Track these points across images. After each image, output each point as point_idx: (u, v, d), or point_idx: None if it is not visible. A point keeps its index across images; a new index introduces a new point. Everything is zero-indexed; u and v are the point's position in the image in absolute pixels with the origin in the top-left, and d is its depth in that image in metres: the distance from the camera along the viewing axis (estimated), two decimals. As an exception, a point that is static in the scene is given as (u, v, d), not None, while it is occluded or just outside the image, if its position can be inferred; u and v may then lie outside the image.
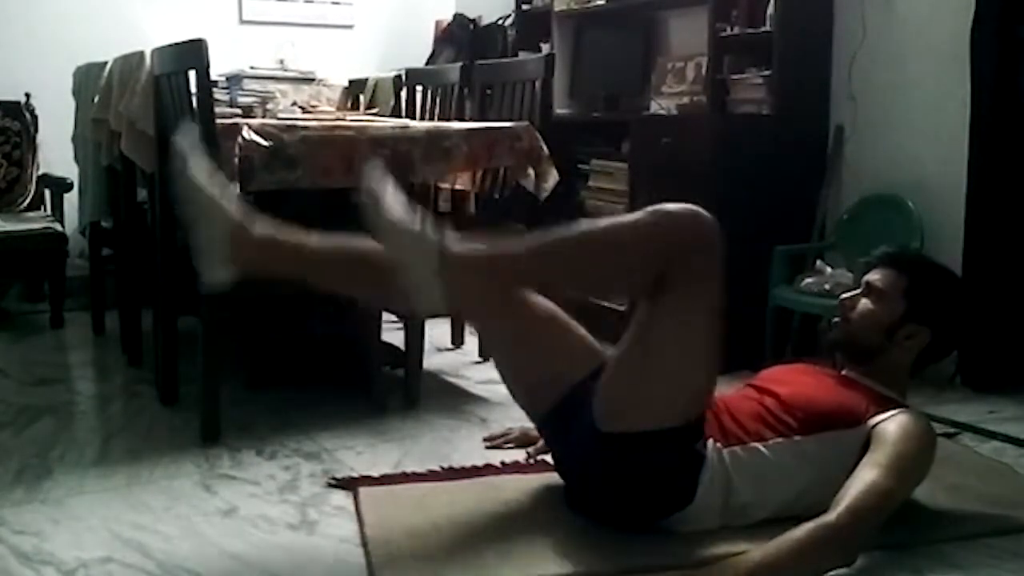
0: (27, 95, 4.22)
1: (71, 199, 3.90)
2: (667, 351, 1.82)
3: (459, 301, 1.88)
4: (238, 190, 1.97)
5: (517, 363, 2.08)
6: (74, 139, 3.63)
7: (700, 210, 1.79)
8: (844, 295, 2.13)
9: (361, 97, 4.11)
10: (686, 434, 1.84)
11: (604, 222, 1.85)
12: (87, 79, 3.30)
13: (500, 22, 4.72)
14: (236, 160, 2.38)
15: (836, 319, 2.12)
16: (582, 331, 2.07)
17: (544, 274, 1.88)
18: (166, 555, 1.83)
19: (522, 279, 1.91)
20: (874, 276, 2.07)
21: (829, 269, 3.11)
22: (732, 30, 3.47)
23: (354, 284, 1.98)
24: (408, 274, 1.76)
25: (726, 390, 2.04)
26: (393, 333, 3.03)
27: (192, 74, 2.44)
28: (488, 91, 3.45)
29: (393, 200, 1.81)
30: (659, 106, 3.82)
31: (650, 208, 1.80)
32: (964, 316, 2.16)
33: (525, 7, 4.54)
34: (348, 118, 3.00)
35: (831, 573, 1.70)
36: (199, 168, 1.92)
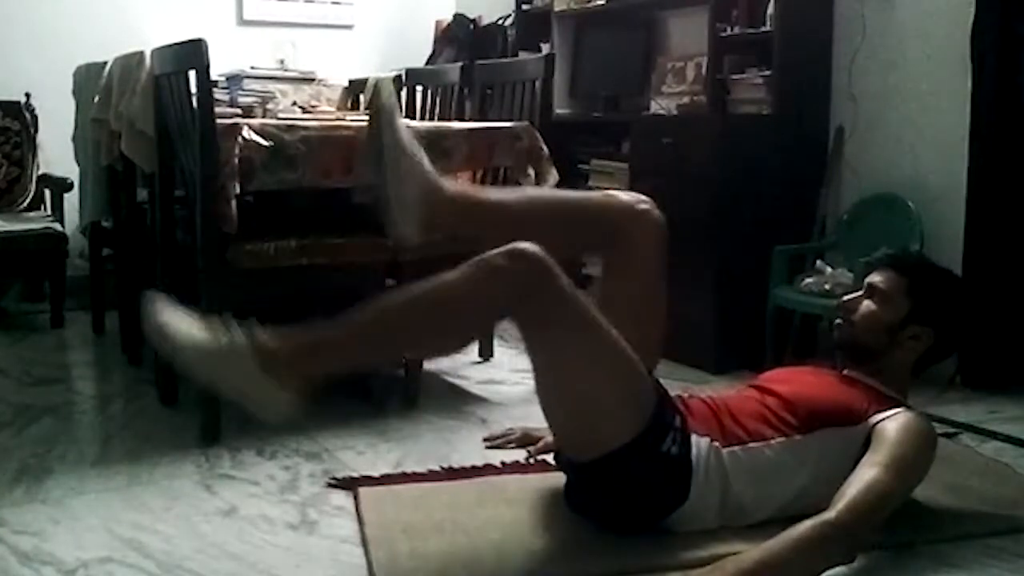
0: (27, 95, 4.22)
1: (71, 199, 3.90)
2: (569, 384, 1.80)
3: (302, 393, 1.73)
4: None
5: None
6: (74, 139, 3.63)
7: (519, 248, 1.71)
8: (846, 296, 2.13)
9: (361, 97, 4.11)
10: (646, 441, 1.81)
11: (425, 285, 1.76)
12: (87, 79, 3.30)
13: (500, 22, 4.72)
14: (236, 160, 2.38)
15: (838, 320, 2.12)
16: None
17: (372, 350, 1.84)
18: (166, 555, 1.83)
19: (349, 360, 1.83)
20: (876, 277, 2.07)
21: (829, 269, 3.11)
22: (732, 30, 3.47)
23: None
24: (243, 391, 1.68)
25: (726, 390, 2.04)
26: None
27: (192, 74, 2.44)
28: (488, 91, 3.45)
29: (184, 321, 1.70)
30: (659, 106, 3.83)
31: (471, 261, 1.73)
32: (966, 317, 2.16)
33: (525, 7, 4.54)
34: (348, 118, 3.00)
35: (831, 572, 1.70)
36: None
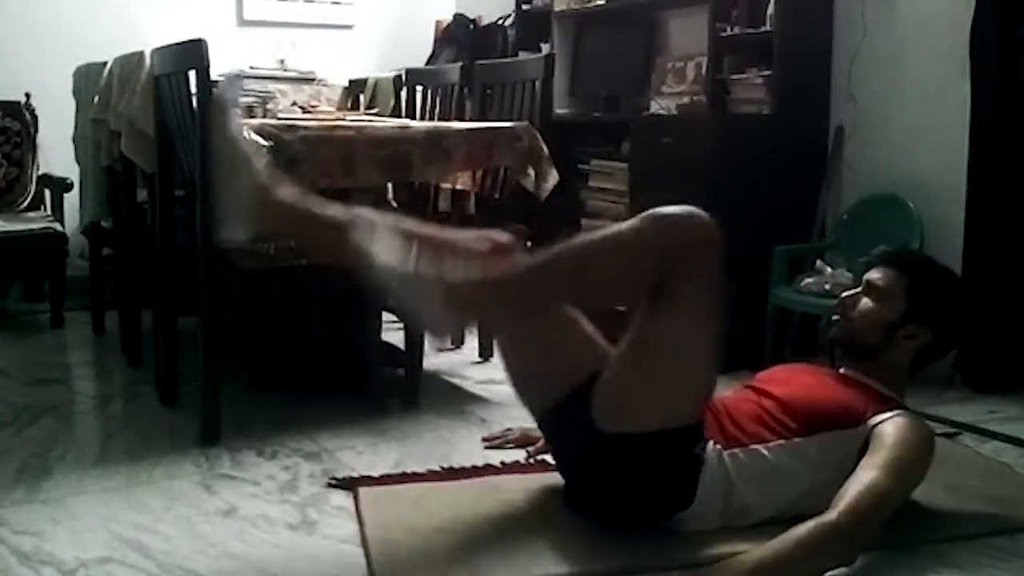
0: (27, 95, 4.22)
1: (71, 199, 3.90)
2: (667, 352, 1.82)
3: (470, 322, 1.87)
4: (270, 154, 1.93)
5: (521, 358, 2.07)
6: (74, 139, 3.63)
7: (698, 211, 1.79)
8: (844, 293, 2.13)
9: (361, 97, 4.11)
10: (686, 436, 1.84)
11: (601, 232, 1.84)
12: (87, 79, 3.30)
13: (500, 22, 4.72)
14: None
15: (835, 317, 2.12)
16: (591, 329, 2.06)
17: (547, 290, 1.87)
18: (166, 555, 1.83)
19: (526, 297, 1.86)
20: (874, 275, 2.07)
21: (829, 269, 3.11)
22: (732, 30, 3.47)
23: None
24: (417, 314, 1.77)
25: (725, 391, 2.04)
26: (393, 333, 3.03)
27: (192, 74, 2.44)
28: (488, 91, 3.45)
29: (384, 243, 1.79)
30: (659, 106, 3.82)
31: (647, 213, 1.79)
32: (964, 316, 2.16)
33: (525, 7, 4.54)
34: (348, 118, 3.00)
35: (831, 573, 1.70)
36: (236, 124, 1.90)
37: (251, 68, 4.37)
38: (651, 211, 1.79)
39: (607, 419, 1.86)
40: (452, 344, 3.51)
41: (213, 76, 2.43)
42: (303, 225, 1.91)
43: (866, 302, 2.05)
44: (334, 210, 1.89)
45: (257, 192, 1.86)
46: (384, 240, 1.80)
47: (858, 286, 2.11)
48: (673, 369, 1.83)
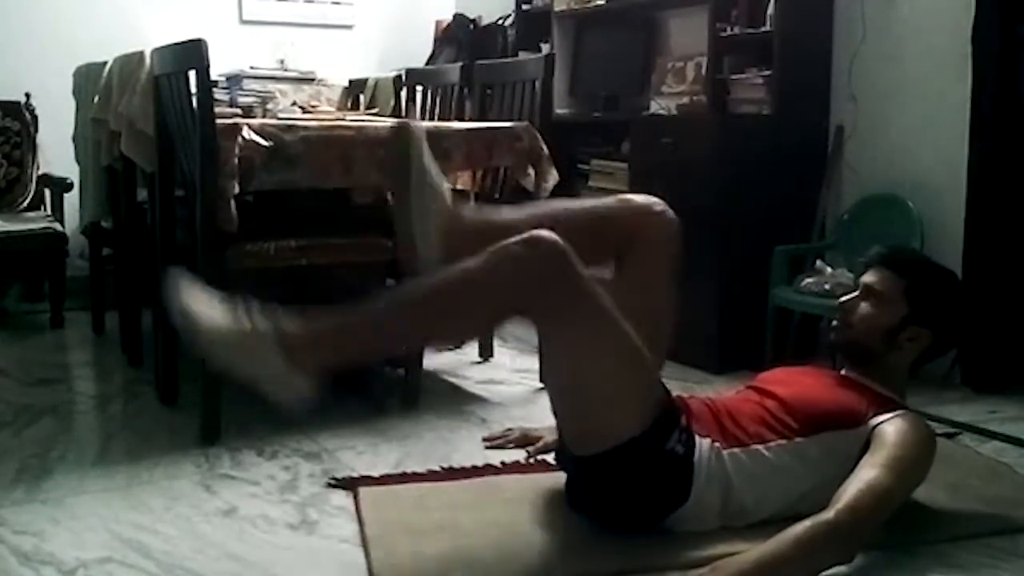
0: (27, 95, 4.22)
1: (71, 199, 3.90)
2: (582, 374, 1.81)
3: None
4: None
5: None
6: (74, 139, 3.63)
7: (537, 235, 1.73)
8: (843, 298, 2.12)
9: (361, 97, 4.11)
10: (650, 439, 1.82)
11: (444, 273, 1.78)
12: (87, 79, 3.30)
13: (500, 22, 4.72)
14: (236, 160, 2.38)
15: (835, 323, 2.11)
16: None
17: (392, 337, 1.85)
18: (166, 555, 1.83)
19: (370, 347, 1.86)
20: (872, 278, 2.06)
21: (829, 269, 3.11)
22: (732, 30, 3.47)
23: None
24: (260, 376, 1.69)
25: (726, 392, 2.04)
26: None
27: (192, 74, 2.44)
28: (488, 91, 3.45)
29: (207, 304, 1.70)
30: (659, 106, 3.82)
31: (492, 249, 1.74)
32: (964, 316, 2.15)
33: (525, 7, 4.54)
34: (348, 118, 3.00)
35: (830, 572, 1.69)
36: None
37: (251, 68, 4.37)
38: (495, 247, 1.74)
39: (575, 446, 1.91)
40: (452, 346, 3.52)
41: (213, 76, 2.44)
42: (489, 238, 1.82)
43: (865, 307, 2.04)
44: (510, 213, 1.97)
45: (450, 222, 1.90)
46: (205, 303, 1.70)
47: (857, 289, 2.10)
48: (599, 386, 1.81)
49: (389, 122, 3.02)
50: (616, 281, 2.02)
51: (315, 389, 1.72)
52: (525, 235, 1.74)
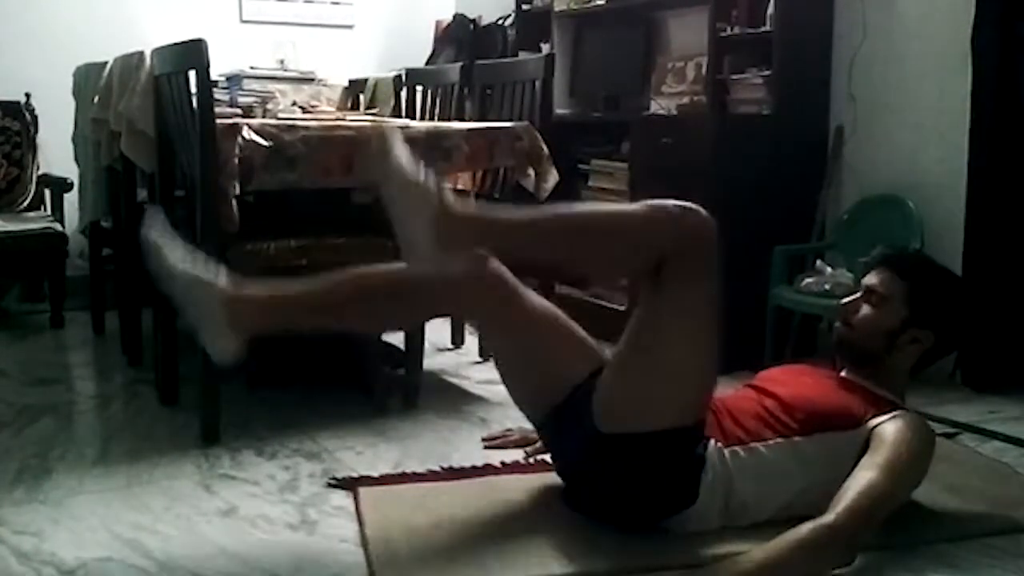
0: (27, 95, 4.22)
1: (71, 199, 3.90)
2: (666, 351, 1.82)
3: (448, 250, 1.83)
4: (222, 263, 1.93)
5: (517, 365, 2.07)
6: (74, 139, 3.63)
7: (699, 209, 1.80)
8: (845, 300, 2.11)
9: (361, 97, 4.11)
10: (687, 436, 1.84)
11: (604, 207, 1.88)
12: (87, 79, 3.30)
13: (500, 22, 4.72)
14: (236, 160, 2.38)
15: (837, 324, 2.10)
16: (582, 333, 2.06)
17: (538, 245, 1.89)
18: (166, 555, 1.83)
19: (514, 245, 1.88)
20: (874, 280, 2.05)
21: (829, 269, 3.11)
22: (732, 30, 3.47)
23: (365, 315, 1.97)
24: (406, 221, 1.81)
25: (725, 391, 2.04)
26: (393, 333, 3.02)
27: (192, 74, 2.43)
28: (488, 91, 3.45)
29: (401, 149, 1.85)
30: (659, 106, 3.83)
31: (651, 202, 1.82)
32: (967, 317, 2.15)
33: (525, 7, 4.54)
34: (348, 118, 3.00)
35: (830, 573, 1.70)
36: (173, 253, 1.90)
37: (251, 68, 4.37)
38: (656, 202, 1.81)
39: (610, 419, 1.86)
40: (452, 344, 3.52)
41: (213, 76, 2.44)
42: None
43: (867, 308, 2.04)
44: (315, 282, 1.92)
45: (227, 302, 1.84)
46: (401, 147, 1.86)
47: (858, 290, 2.10)
48: (674, 368, 1.82)
49: (390, 122, 3.03)
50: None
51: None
52: (686, 204, 1.80)
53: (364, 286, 1.92)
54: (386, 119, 3.31)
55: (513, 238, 1.87)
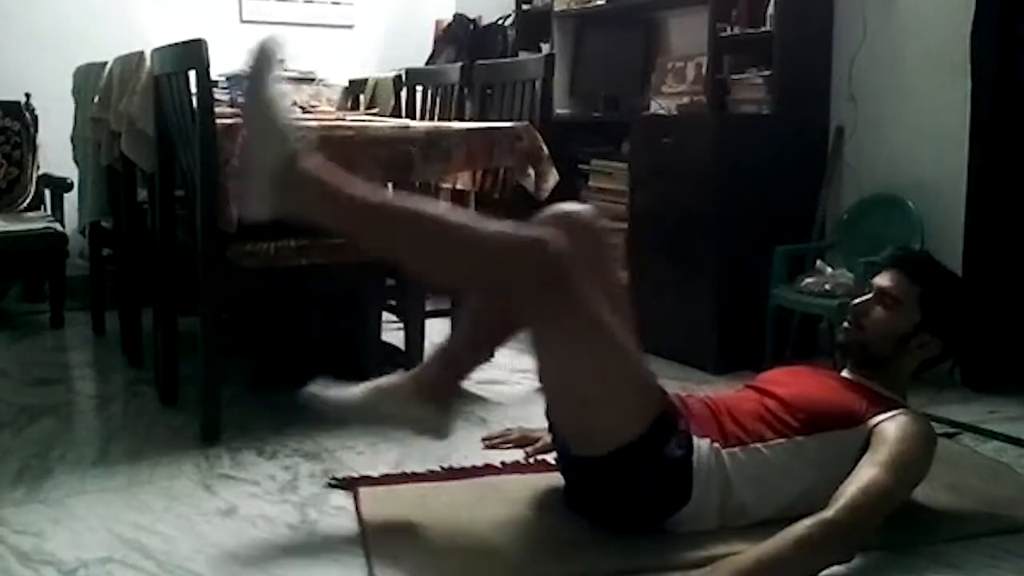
0: (27, 95, 4.22)
1: (71, 199, 3.90)
2: (573, 380, 1.80)
3: (280, 202, 1.78)
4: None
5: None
6: (74, 139, 3.63)
7: (544, 240, 1.74)
8: (856, 300, 2.08)
9: (361, 97, 4.11)
10: (647, 443, 1.81)
11: (461, 221, 1.79)
12: (87, 79, 3.30)
13: (500, 22, 4.72)
14: (236, 160, 2.38)
15: (846, 324, 2.08)
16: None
17: (379, 232, 1.83)
18: (166, 555, 1.83)
19: (353, 223, 1.84)
20: (886, 282, 2.03)
21: (829, 269, 3.11)
22: (732, 30, 3.47)
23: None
24: (252, 163, 1.77)
25: (725, 391, 2.04)
26: (393, 333, 3.02)
27: (192, 74, 2.43)
28: (488, 91, 3.45)
29: (278, 85, 1.80)
30: (659, 106, 3.83)
31: (507, 229, 1.77)
32: (972, 325, 2.13)
33: (525, 7, 4.54)
34: (348, 118, 3.00)
35: (829, 572, 1.70)
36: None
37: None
38: (506, 231, 1.76)
39: (574, 446, 1.90)
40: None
41: (213, 76, 2.44)
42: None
43: (879, 311, 2.02)
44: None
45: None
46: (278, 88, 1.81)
47: (866, 290, 2.08)
48: (593, 394, 1.80)
49: (390, 122, 3.03)
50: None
51: (270, 218, 1.78)
52: (536, 234, 1.75)
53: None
54: (386, 119, 3.31)
55: (355, 215, 1.81)
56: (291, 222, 1.85)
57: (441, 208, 1.86)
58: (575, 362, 1.79)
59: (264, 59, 1.82)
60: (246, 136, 1.86)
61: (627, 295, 2.02)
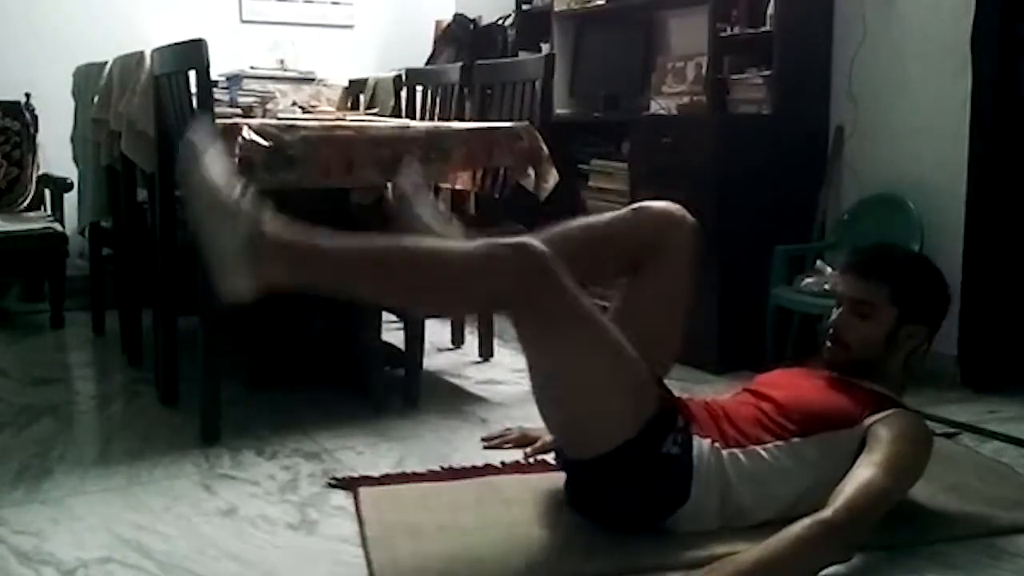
0: (27, 95, 4.22)
1: (71, 199, 3.90)
2: (566, 382, 1.81)
3: (259, 277, 1.68)
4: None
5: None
6: (74, 139, 3.63)
7: (523, 243, 1.73)
8: (831, 319, 2.07)
9: (361, 97, 4.11)
10: (642, 443, 1.81)
11: (432, 246, 1.78)
12: (87, 79, 3.31)
13: (500, 22, 4.72)
14: (236, 160, 2.38)
15: (829, 344, 2.07)
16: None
17: (365, 279, 1.77)
18: (166, 555, 1.83)
19: (337, 277, 1.76)
20: (853, 291, 2.03)
21: (829, 269, 3.11)
22: (732, 30, 3.47)
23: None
24: (219, 251, 1.66)
25: (723, 394, 2.04)
26: (393, 333, 3.03)
27: (192, 74, 2.44)
28: (488, 91, 3.45)
29: (217, 162, 1.71)
30: (659, 106, 3.82)
31: (480, 242, 1.75)
32: (945, 295, 2.09)
33: (525, 7, 4.54)
34: (348, 118, 3.00)
35: (828, 572, 1.70)
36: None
37: (251, 68, 4.37)
38: (489, 240, 1.74)
39: (567, 449, 1.92)
40: (452, 344, 3.52)
41: (213, 76, 2.44)
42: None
43: (857, 323, 2.01)
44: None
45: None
46: (216, 160, 1.71)
47: (836, 304, 2.07)
48: (585, 396, 1.80)
49: (390, 122, 3.03)
50: (633, 286, 2.04)
51: (253, 297, 1.68)
52: (515, 240, 1.74)
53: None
54: (386, 119, 3.31)
55: (336, 269, 1.74)
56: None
57: (418, 238, 1.84)
58: (565, 362, 1.79)
59: (193, 151, 1.74)
60: (199, 225, 1.72)
61: (691, 298, 2.06)
